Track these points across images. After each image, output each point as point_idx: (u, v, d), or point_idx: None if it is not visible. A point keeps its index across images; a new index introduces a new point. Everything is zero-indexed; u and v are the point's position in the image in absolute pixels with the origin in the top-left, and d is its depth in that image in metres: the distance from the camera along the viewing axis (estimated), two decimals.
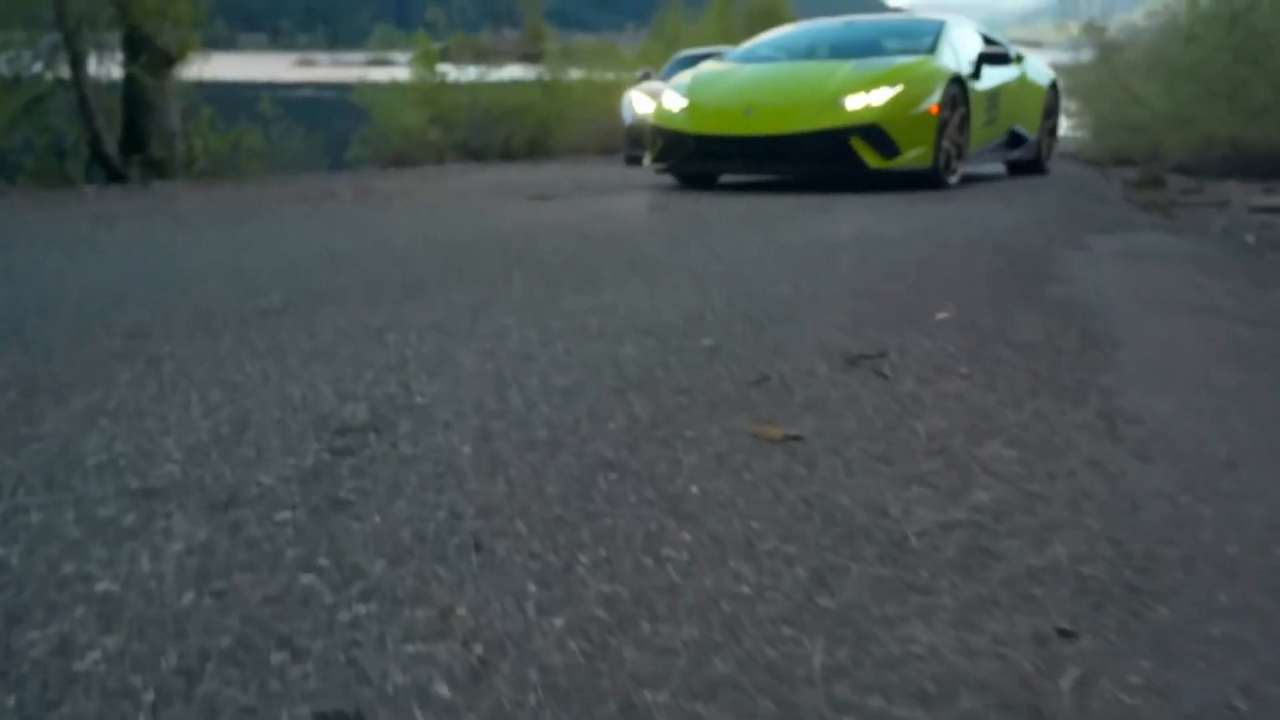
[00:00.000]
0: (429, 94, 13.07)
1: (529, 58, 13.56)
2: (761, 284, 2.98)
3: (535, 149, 13.65)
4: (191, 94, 9.74)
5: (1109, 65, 12.01)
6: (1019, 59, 8.71)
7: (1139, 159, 11.54)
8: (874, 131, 6.81)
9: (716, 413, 1.69)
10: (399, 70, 13.58)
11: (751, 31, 25.52)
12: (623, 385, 1.86)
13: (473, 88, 13.29)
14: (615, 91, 15.73)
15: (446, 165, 11.65)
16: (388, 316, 2.51)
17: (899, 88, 6.89)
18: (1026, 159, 8.93)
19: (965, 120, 7.41)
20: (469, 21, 13.69)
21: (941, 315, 2.46)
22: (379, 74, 14.20)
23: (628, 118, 11.96)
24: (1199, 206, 6.80)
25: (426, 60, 13.16)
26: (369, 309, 2.61)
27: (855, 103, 6.86)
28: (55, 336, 2.30)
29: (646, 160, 7.82)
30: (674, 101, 7.56)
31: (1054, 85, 9.45)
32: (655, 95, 11.80)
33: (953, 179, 7.29)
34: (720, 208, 5.63)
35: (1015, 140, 8.60)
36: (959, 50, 7.82)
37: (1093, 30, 21.47)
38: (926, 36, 7.89)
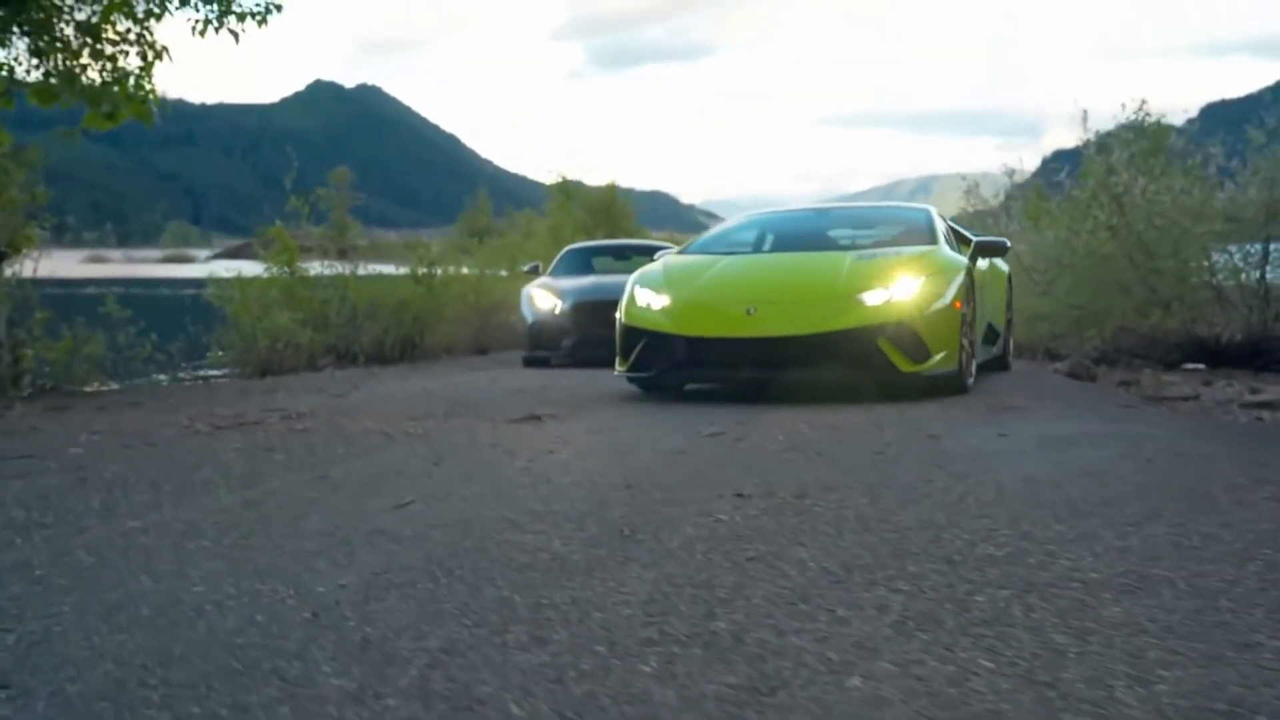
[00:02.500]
0: (290, 290, 11.60)
1: (340, 253, 12.31)
2: (1151, 608, 1.81)
3: (409, 349, 12.29)
4: (25, 294, 8.00)
5: (1018, 259, 11.82)
6: None
7: (1050, 349, 11.26)
8: (903, 331, 5.90)
9: None
10: (199, 268, 12.07)
11: (596, 223, 25.28)
12: None
13: (342, 283, 11.90)
14: (486, 287, 14.72)
15: (326, 371, 10.11)
16: None
17: (920, 280, 6.05)
18: (996, 355, 8.26)
19: (975, 315, 6.64)
20: (266, 217, 12.39)
21: None
22: (222, 269, 12.61)
23: (529, 316, 10.83)
24: (1186, 401, 6.19)
25: (288, 255, 11.71)
26: None
27: (875, 298, 5.96)
28: None
29: (618, 368, 6.62)
30: (649, 298, 6.46)
31: (1009, 276, 8.96)
32: (556, 290, 10.78)
33: (970, 381, 6.45)
34: (779, 425, 4.49)
35: (991, 335, 7.93)
36: (949, 239, 7.16)
37: None
38: (918, 224, 7.18)
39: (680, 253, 7.39)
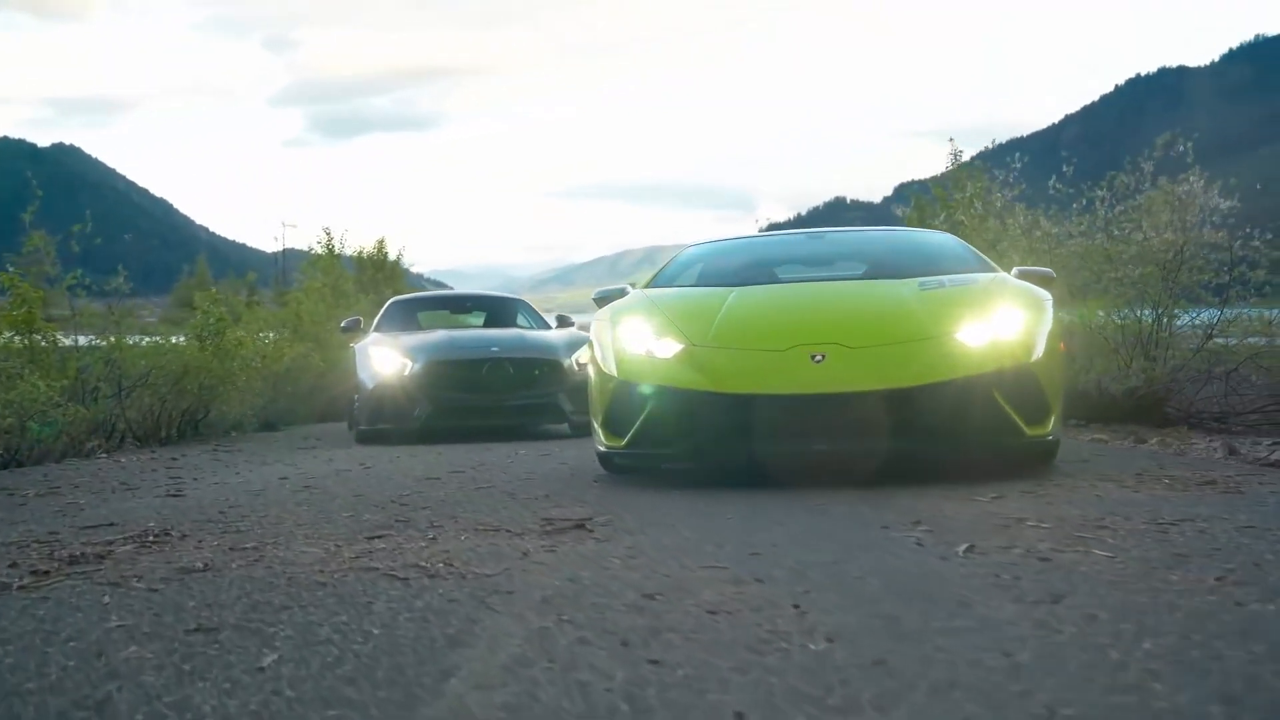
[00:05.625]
0: (37, 357, 8.79)
1: (23, 324, 9.83)
2: None
3: (189, 426, 9.72)
4: None
5: None
6: None
7: None
8: (1014, 380, 4.35)
9: None
10: None
11: (377, 281, 22.83)
12: None
13: (109, 347, 9.19)
14: (278, 352, 12.27)
15: (100, 458, 7.47)
16: None
17: (1023, 315, 4.56)
18: None
19: None
20: None
21: None
22: None
23: (367, 381, 8.66)
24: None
25: (26, 311, 8.86)
26: None
27: (975, 336, 4.39)
28: None
29: (601, 442, 4.70)
30: (646, 342, 4.60)
31: None
32: (401, 349, 8.68)
33: None
34: (980, 523, 2.79)
35: None
36: None
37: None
38: (951, 248, 5.72)
39: (648, 286, 5.54)
